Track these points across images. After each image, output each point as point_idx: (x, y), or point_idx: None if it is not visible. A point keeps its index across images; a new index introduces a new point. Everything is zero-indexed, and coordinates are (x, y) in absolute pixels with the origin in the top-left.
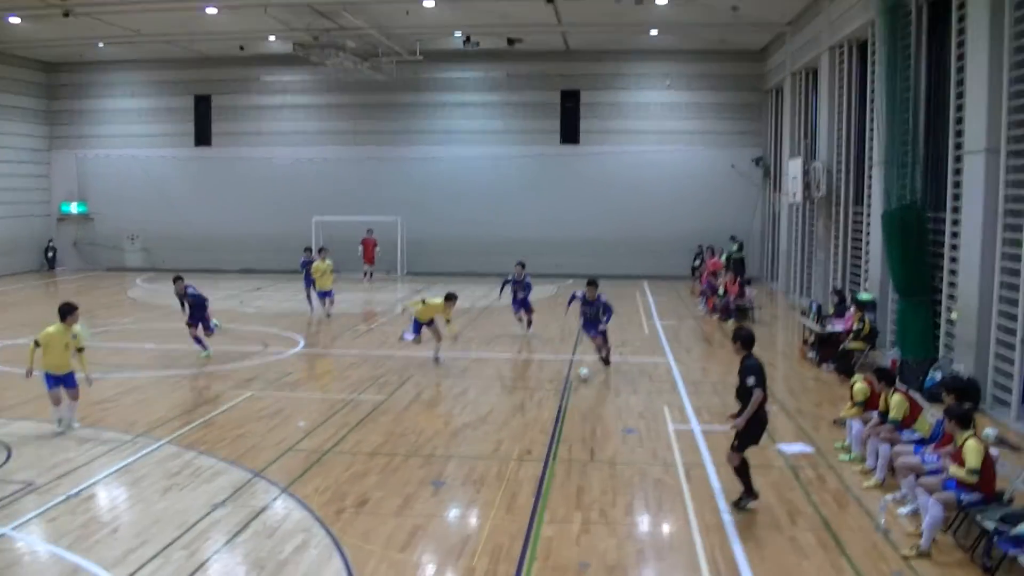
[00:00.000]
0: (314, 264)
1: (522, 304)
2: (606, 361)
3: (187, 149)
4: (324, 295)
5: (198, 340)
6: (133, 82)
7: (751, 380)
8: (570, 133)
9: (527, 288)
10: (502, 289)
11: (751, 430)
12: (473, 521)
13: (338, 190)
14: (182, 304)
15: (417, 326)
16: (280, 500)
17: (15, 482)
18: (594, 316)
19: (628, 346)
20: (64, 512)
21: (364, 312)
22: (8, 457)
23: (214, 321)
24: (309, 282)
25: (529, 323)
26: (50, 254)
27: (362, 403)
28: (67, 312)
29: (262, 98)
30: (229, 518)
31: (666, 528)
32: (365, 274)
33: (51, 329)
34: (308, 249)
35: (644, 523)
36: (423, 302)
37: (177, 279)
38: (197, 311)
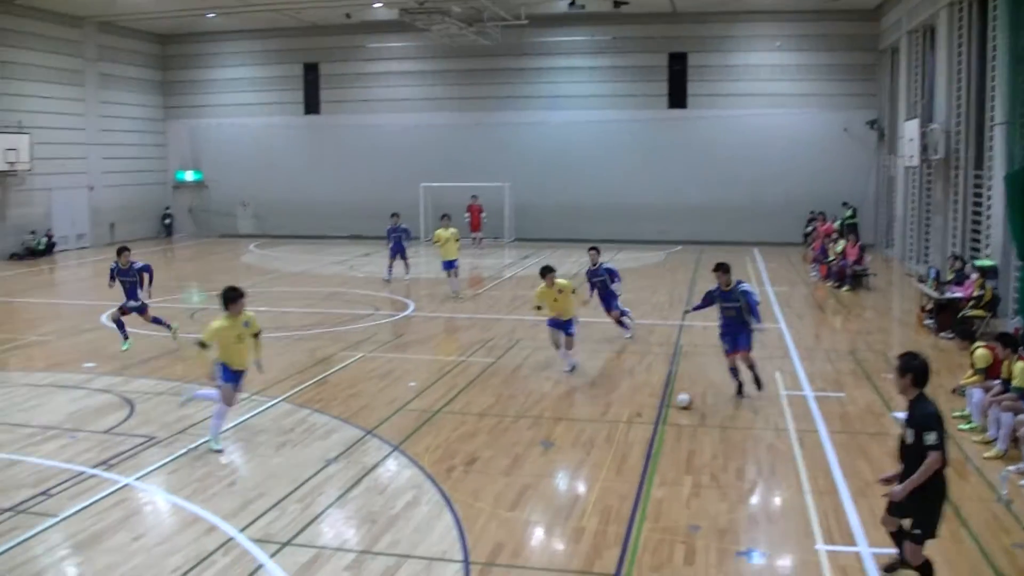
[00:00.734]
0: (436, 232)
1: (607, 301)
2: (758, 383)
3: (296, 117)
4: (449, 265)
5: (140, 316)
6: (243, 52)
7: (931, 437)
8: (678, 97)
9: (614, 277)
10: (592, 287)
11: (931, 506)
12: (582, 482)
13: (445, 156)
14: (112, 277)
15: (560, 324)
16: (392, 458)
17: (137, 435)
18: (736, 318)
19: None
20: (184, 465)
21: (471, 277)
22: (131, 413)
23: (172, 324)
24: (397, 250)
25: (620, 323)
26: (167, 221)
27: (472, 365)
28: (231, 299)
29: (369, 65)
30: (342, 474)
31: (778, 492)
32: (474, 240)
33: (216, 324)
34: (395, 215)
35: (756, 487)
36: (538, 308)
37: (122, 250)
38: (132, 289)
